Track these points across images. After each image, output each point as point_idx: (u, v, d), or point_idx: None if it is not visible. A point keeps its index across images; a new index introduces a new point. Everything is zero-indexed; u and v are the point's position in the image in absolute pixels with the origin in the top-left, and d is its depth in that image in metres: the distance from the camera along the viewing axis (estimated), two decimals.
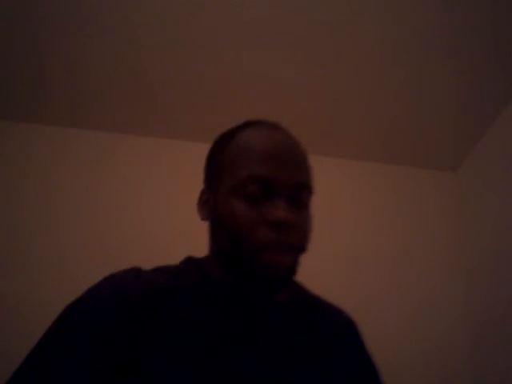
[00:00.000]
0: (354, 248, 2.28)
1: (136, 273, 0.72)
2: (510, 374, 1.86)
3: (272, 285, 0.70)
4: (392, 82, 2.03)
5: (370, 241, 2.31)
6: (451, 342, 2.16)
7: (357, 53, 1.92)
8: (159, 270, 0.76)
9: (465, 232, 2.33)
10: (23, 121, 2.32)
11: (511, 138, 2.04)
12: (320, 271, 2.18)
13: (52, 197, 2.22)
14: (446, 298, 2.23)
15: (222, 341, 0.67)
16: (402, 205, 2.40)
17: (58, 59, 2.00)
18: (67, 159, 2.30)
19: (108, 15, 1.82)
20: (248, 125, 0.78)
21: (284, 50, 1.92)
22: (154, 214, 2.24)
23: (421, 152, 2.39)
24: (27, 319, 1.96)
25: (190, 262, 0.80)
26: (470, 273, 2.24)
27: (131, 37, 1.90)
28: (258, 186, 0.70)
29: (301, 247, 0.72)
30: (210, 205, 0.77)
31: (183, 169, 2.33)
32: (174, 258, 1.12)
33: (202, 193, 0.81)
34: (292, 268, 0.71)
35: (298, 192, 0.72)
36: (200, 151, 2.37)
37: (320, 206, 2.34)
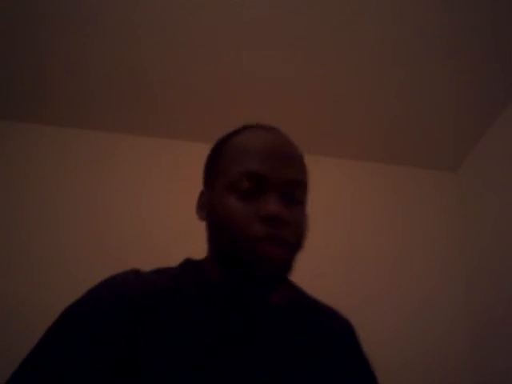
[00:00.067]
0: (354, 248, 2.28)
1: (135, 274, 0.73)
2: (510, 374, 1.86)
3: (267, 278, 0.70)
4: (392, 82, 2.03)
5: (370, 241, 2.31)
6: (451, 342, 2.15)
7: (357, 53, 1.92)
8: (158, 272, 0.77)
9: (465, 232, 2.33)
10: (23, 121, 2.32)
11: (511, 138, 2.04)
12: (320, 271, 2.18)
13: (52, 197, 2.22)
14: (445, 298, 2.23)
15: (220, 341, 0.67)
16: (402, 205, 2.40)
17: (58, 59, 2.00)
18: (67, 159, 2.30)
19: (108, 15, 1.82)
20: (245, 128, 0.81)
21: (284, 49, 1.92)
22: (153, 213, 2.24)
23: (421, 152, 2.39)
24: (27, 319, 1.96)
25: (188, 263, 0.80)
26: (470, 273, 2.24)
27: (131, 37, 1.90)
28: (251, 182, 0.72)
29: (295, 243, 0.72)
30: (207, 204, 0.79)
31: (183, 169, 2.33)
32: (174, 257, 1.12)
33: (201, 194, 0.83)
34: (287, 263, 0.72)
35: (292, 188, 0.73)
36: (200, 151, 2.36)
37: (320, 205, 2.34)
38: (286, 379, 0.68)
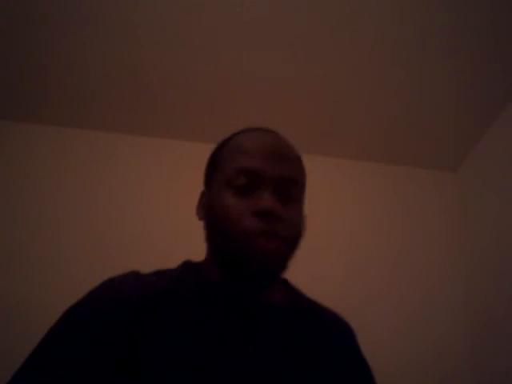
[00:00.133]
0: (354, 248, 2.28)
1: (135, 276, 0.74)
2: (510, 374, 1.86)
3: (262, 274, 0.71)
4: (392, 82, 2.03)
5: (370, 241, 2.31)
6: (451, 343, 2.15)
7: (357, 53, 1.92)
8: (158, 274, 0.77)
9: (465, 232, 2.33)
10: (23, 121, 2.32)
11: (511, 138, 2.04)
12: (320, 271, 2.18)
13: (52, 197, 2.22)
14: (445, 298, 2.23)
15: (220, 341, 0.68)
16: (402, 205, 2.40)
17: (58, 59, 2.00)
18: (67, 159, 2.30)
19: (108, 15, 1.82)
20: (244, 130, 0.83)
21: (284, 49, 1.92)
22: (153, 213, 2.24)
23: (421, 152, 2.39)
24: (27, 319, 1.96)
25: (188, 265, 0.81)
26: (470, 273, 2.24)
27: (131, 37, 1.90)
28: (246, 178, 0.73)
29: (289, 239, 0.73)
30: (206, 203, 0.81)
31: (183, 169, 2.33)
32: (174, 257, 1.12)
33: (202, 195, 0.85)
34: (281, 258, 0.72)
35: (286, 185, 0.75)
36: (200, 151, 2.36)
37: (320, 206, 2.34)
38: (285, 380, 0.68)
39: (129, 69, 2.04)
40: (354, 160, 2.46)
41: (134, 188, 2.28)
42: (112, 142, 2.35)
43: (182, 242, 2.07)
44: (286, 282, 0.87)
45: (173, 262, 0.90)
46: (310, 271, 2.13)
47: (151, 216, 2.23)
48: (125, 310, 0.67)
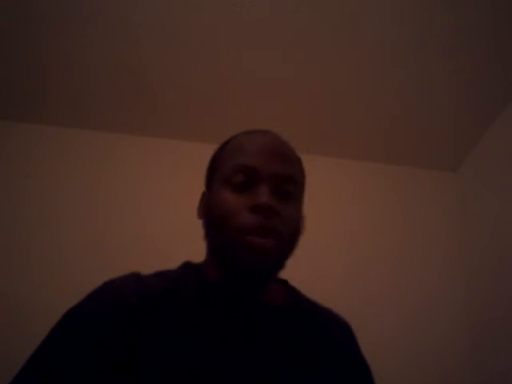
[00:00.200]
0: (354, 248, 2.28)
1: (135, 277, 0.74)
2: (510, 374, 1.86)
3: (258, 270, 0.70)
4: (392, 82, 2.03)
5: (370, 241, 2.31)
6: (451, 342, 2.15)
7: (357, 53, 1.92)
8: (158, 275, 0.77)
9: (465, 232, 2.33)
10: (23, 121, 2.32)
11: (511, 138, 2.04)
12: (320, 271, 2.18)
13: (52, 197, 2.22)
14: (445, 299, 2.23)
15: (219, 342, 0.68)
16: (402, 205, 2.40)
17: (58, 59, 2.00)
18: (67, 159, 2.30)
19: (108, 15, 1.82)
20: (245, 132, 0.83)
21: (284, 49, 1.92)
22: (153, 213, 2.24)
23: (421, 152, 2.39)
24: (27, 319, 1.96)
25: (188, 266, 0.81)
26: (470, 273, 2.24)
27: (131, 37, 1.90)
28: (244, 175, 0.74)
29: (285, 235, 0.73)
30: (205, 202, 0.81)
31: (183, 169, 2.33)
32: (174, 257, 1.12)
33: (203, 195, 0.85)
34: (277, 255, 0.72)
35: (283, 183, 0.75)
36: (200, 151, 2.37)
37: (320, 206, 2.34)
38: (285, 380, 0.68)
39: (129, 69, 2.04)
40: (354, 160, 2.47)
41: (134, 188, 2.28)
42: (112, 142, 2.35)
43: (182, 241, 2.07)
44: (285, 282, 0.87)
45: (173, 262, 0.90)
46: (310, 271, 2.14)
47: (151, 216, 2.23)
48: (125, 312, 0.67)
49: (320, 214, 2.31)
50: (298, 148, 2.14)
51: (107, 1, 1.78)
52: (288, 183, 0.75)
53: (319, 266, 2.19)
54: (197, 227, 0.94)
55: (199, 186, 1.93)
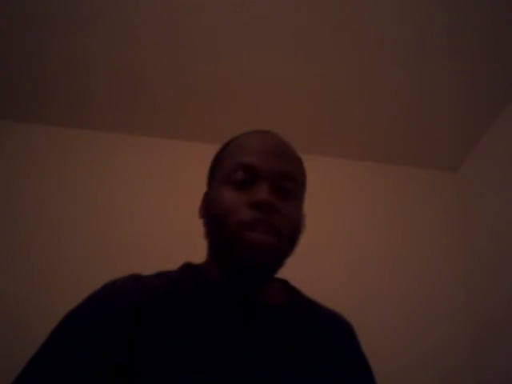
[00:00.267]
0: (354, 248, 2.28)
1: (136, 278, 0.74)
2: (510, 374, 1.86)
3: (256, 266, 0.71)
4: (392, 82, 2.03)
5: (370, 241, 2.31)
6: (451, 342, 2.15)
7: (357, 53, 1.92)
8: (158, 276, 0.77)
9: (465, 232, 2.33)
10: (23, 121, 2.32)
11: (511, 138, 2.04)
12: (320, 270, 2.18)
13: (52, 197, 2.22)
14: (445, 298, 2.23)
15: (220, 343, 0.67)
16: (402, 205, 2.40)
17: (58, 59, 2.00)
18: (67, 159, 2.30)
19: (108, 15, 1.82)
20: (246, 132, 0.84)
21: (284, 50, 1.92)
22: (153, 213, 2.24)
23: (421, 152, 2.39)
24: (27, 319, 1.96)
25: (188, 267, 0.81)
26: (470, 273, 2.24)
27: (131, 37, 1.90)
28: (244, 173, 0.74)
29: (285, 232, 0.73)
30: (206, 201, 0.82)
31: (183, 169, 2.33)
32: (175, 257, 1.12)
33: (204, 195, 0.86)
34: (276, 251, 0.72)
35: (283, 181, 0.75)
36: (200, 151, 2.37)
37: (320, 205, 2.34)
38: (286, 380, 0.68)
39: (129, 69, 2.04)
40: (354, 160, 2.47)
41: (134, 188, 2.28)
42: (112, 142, 2.35)
43: (182, 241, 2.07)
44: (286, 282, 0.87)
45: (173, 262, 0.90)
46: (310, 271, 2.13)
47: (151, 216, 2.23)
48: (126, 313, 0.67)
49: (320, 214, 2.31)
50: (298, 148, 2.14)
51: (107, 1, 1.78)
52: (288, 181, 0.76)
53: (319, 266, 2.19)
54: (197, 227, 0.94)
55: (199, 186, 1.92)
